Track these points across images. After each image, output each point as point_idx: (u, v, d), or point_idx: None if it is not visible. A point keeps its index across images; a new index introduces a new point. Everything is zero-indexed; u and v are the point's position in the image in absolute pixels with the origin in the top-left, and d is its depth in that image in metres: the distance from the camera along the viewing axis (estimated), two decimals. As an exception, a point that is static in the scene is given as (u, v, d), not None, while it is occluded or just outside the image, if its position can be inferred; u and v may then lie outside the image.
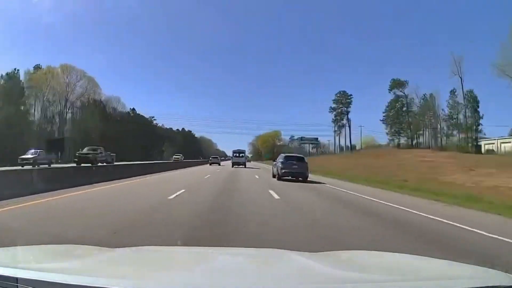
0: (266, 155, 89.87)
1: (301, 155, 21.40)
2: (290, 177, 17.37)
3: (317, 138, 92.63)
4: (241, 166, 35.25)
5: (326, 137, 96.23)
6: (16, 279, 1.10)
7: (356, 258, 1.93)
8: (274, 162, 20.58)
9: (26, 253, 1.65)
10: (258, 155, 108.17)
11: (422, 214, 7.39)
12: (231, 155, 42.48)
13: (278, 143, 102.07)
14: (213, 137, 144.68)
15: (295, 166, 17.60)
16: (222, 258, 2.02)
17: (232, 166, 35.57)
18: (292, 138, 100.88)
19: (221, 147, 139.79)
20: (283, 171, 17.43)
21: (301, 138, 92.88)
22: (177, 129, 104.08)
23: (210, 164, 42.03)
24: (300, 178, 17.45)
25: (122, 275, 1.37)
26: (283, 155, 19.81)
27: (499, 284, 1.19)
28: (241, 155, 38.37)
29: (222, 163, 47.25)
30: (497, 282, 1.23)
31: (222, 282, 1.28)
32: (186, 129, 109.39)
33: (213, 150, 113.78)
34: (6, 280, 1.11)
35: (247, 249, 3.07)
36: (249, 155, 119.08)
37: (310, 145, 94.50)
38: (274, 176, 19.08)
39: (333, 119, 74.60)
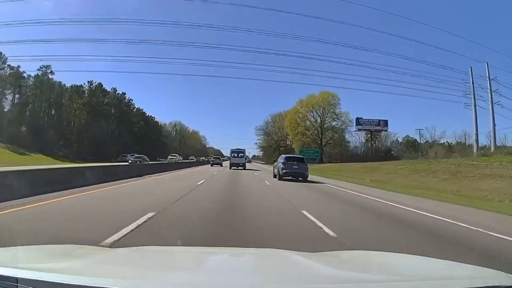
0: (304, 151, 48.20)
1: (301, 156, 21.87)
2: (290, 177, 17.77)
3: (386, 121, 54.81)
4: (240, 168, 32.61)
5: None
6: (16, 279, 1.10)
7: (356, 258, 1.93)
8: (275, 163, 21.17)
9: (26, 253, 1.62)
10: (273, 152, 65.26)
11: None
12: (228, 155, 40.30)
13: (334, 123, 56.94)
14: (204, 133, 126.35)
15: (295, 167, 18.07)
16: (222, 258, 2.01)
17: (230, 168, 32.26)
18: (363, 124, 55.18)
19: (214, 144, 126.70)
20: (284, 171, 17.82)
21: (357, 120, 54.61)
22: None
23: (212, 165, 40.45)
24: (300, 178, 17.92)
25: (122, 275, 1.36)
26: (284, 156, 20.41)
27: (499, 284, 1.19)
28: (240, 155, 35.42)
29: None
30: (497, 282, 1.23)
31: (222, 282, 1.27)
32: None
33: (202, 148, 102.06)
34: (6, 280, 1.10)
35: (247, 249, 3.00)
36: (259, 154, 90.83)
37: (370, 135, 56.15)
38: (275, 176, 19.48)
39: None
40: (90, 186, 10.21)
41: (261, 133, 75.69)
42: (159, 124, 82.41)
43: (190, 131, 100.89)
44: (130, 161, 32.78)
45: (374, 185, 17.79)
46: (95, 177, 12.03)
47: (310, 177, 19.82)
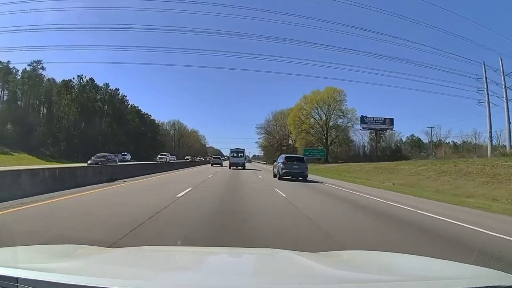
0: (309, 151, 46.43)
1: (301, 156, 22.21)
2: (290, 177, 17.81)
3: (392, 120, 51.64)
4: (239, 168, 32.72)
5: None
6: (16, 279, 1.08)
7: (356, 258, 1.93)
8: (275, 163, 21.25)
9: (26, 253, 1.62)
10: (275, 151, 60.86)
11: None
12: (228, 155, 39.88)
13: (340, 120, 53.36)
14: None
15: (295, 167, 18.07)
16: (222, 258, 2.01)
17: (230, 167, 32.36)
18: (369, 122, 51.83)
19: (213, 144, 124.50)
20: (284, 171, 17.82)
21: (362, 119, 51.39)
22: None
23: (212, 165, 40.53)
24: (300, 178, 17.98)
25: (122, 275, 1.36)
26: (283, 155, 20.35)
27: (499, 284, 1.18)
28: (240, 155, 34.90)
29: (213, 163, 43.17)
30: (497, 282, 1.22)
31: (222, 282, 1.27)
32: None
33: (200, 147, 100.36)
34: (6, 280, 1.09)
35: (247, 249, 3.00)
36: (259, 154, 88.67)
37: (375, 134, 53.01)
38: (275, 176, 19.50)
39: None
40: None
41: (262, 132, 72.22)
42: (156, 122, 79.80)
43: (189, 130, 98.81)
44: (88, 163, 25.40)
45: (405, 190, 14.68)
46: (29, 186, 8.46)
47: (320, 179, 19.14)
